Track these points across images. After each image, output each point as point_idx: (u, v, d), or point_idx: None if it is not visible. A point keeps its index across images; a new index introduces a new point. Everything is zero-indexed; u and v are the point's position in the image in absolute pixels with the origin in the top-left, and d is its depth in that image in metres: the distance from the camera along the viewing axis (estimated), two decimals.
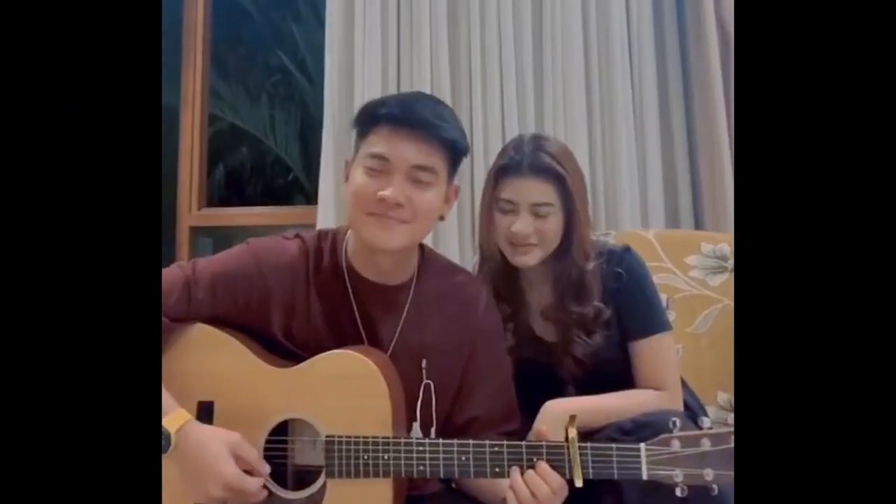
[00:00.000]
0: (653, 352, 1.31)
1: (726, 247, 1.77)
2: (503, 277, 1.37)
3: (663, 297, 1.71)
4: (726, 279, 1.75)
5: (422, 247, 1.26)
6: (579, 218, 1.29)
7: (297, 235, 1.23)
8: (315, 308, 1.17)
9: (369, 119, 1.14)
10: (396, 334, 1.20)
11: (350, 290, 1.19)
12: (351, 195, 1.14)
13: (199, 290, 1.15)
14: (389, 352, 1.19)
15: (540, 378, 1.32)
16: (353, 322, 1.19)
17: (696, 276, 1.77)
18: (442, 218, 1.19)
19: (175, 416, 1.04)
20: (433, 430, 1.17)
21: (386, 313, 1.20)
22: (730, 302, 1.72)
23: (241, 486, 1.03)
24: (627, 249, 1.36)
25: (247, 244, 1.21)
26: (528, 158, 1.28)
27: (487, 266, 1.38)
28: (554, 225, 1.29)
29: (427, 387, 1.17)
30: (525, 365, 1.33)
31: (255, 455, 1.06)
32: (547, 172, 1.27)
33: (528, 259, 1.30)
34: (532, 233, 1.28)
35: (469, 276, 1.32)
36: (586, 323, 1.31)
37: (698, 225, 2.11)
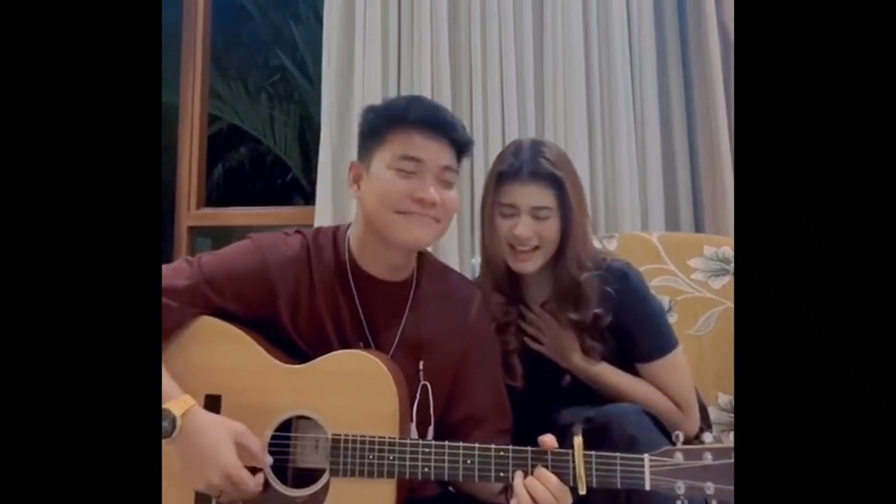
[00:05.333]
0: (667, 373, 1.33)
1: (728, 250, 1.77)
2: (507, 280, 1.38)
3: (665, 299, 1.71)
4: (728, 281, 1.75)
5: None
6: (574, 226, 1.30)
7: (298, 231, 1.24)
8: (318, 303, 1.18)
9: (390, 121, 1.15)
10: (399, 331, 1.20)
11: (353, 285, 1.20)
12: (377, 195, 1.14)
13: (205, 287, 1.14)
14: (392, 349, 1.19)
15: (538, 376, 1.34)
16: (356, 318, 1.19)
17: (698, 279, 1.77)
18: None
19: (181, 401, 1.04)
20: (430, 429, 1.18)
21: (388, 310, 1.21)
22: (731, 304, 1.71)
23: (237, 476, 1.03)
24: (626, 268, 1.35)
25: (250, 240, 1.21)
26: (527, 164, 1.30)
27: (491, 269, 1.38)
28: (552, 228, 1.30)
29: (424, 388, 1.18)
30: (523, 361, 1.35)
31: (258, 445, 1.06)
32: (546, 178, 1.29)
33: (530, 265, 1.32)
34: (533, 235, 1.30)
35: (463, 278, 1.34)
36: (586, 329, 1.32)
37: (698, 227, 2.11)
